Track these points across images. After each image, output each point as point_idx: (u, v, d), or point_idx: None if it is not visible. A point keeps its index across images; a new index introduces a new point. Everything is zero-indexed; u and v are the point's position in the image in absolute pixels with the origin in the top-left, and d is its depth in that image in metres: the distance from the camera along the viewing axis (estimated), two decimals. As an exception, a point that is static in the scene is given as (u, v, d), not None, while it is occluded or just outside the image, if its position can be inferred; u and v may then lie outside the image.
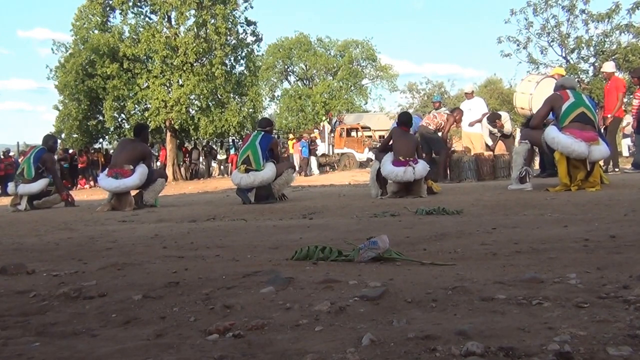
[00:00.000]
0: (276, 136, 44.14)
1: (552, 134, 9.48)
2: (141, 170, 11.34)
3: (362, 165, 40.71)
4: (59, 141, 34.44)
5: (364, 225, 6.42)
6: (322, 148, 44.06)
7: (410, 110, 34.97)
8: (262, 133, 11.34)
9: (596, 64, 29.79)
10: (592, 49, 35.13)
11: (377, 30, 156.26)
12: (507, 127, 17.76)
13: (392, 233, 4.79)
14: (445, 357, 1.87)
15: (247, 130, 35.84)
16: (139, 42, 37.85)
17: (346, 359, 1.89)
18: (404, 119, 11.72)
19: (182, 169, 41.54)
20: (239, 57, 41.67)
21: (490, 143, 17.73)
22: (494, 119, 17.39)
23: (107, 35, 38.52)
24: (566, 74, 16.05)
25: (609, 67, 16.24)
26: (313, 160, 39.79)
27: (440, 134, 16.65)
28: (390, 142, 11.23)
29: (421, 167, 10.60)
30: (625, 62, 32.99)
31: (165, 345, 2.18)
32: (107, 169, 11.81)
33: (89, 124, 39.68)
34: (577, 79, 27.74)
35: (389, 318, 2.37)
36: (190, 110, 39.20)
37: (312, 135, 43.94)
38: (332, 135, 47.17)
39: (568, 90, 9.85)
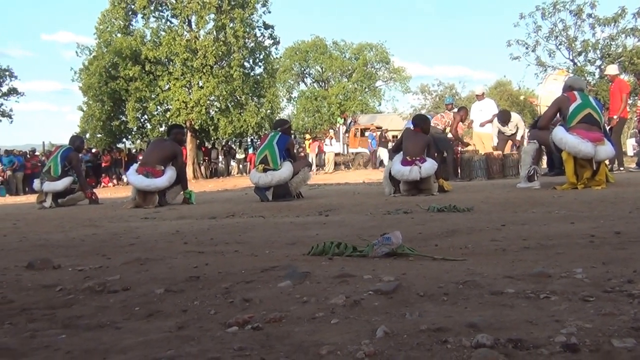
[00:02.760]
0: (293, 136, 44.27)
1: (559, 134, 9.47)
2: (171, 173, 11.42)
3: (374, 164, 40.64)
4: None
5: (377, 222, 6.41)
6: (336, 148, 44.06)
7: (423, 111, 34.85)
8: (280, 133, 11.36)
9: (602, 67, 29.74)
10: (598, 52, 35.02)
11: (390, 34, 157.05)
12: (521, 125, 17.76)
13: (405, 229, 4.80)
14: (457, 349, 1.87)
15: (265, 131, 35.83)
16: (160, 45, 37.98)
17: (361, 350, 1.90)
18: (417, 121, 11.74)
19: (202, 168, 41.58)
20: (257, 60, 41.74)
21: (496, 143, 17.73)
22: (503, 117, 17.37)
23: (130, 38, 38.67)
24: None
25: (612, 69, 16.20)
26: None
27: (449, 134, 16.70)
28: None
29: (428, 166, 10.56)
30: (630, 65, 32.89)
31: (186, 337, 2.20)
32: (138, 165, 11.78)
33: (112, 124, 39.86)
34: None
35: (402, 311, 2.38)
36: (210, 111, 39.32)
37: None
38: (347, 135, 47.20)
39: (575, 92, 9.82)
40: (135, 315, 2.66)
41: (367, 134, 42.64)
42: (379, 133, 40.95)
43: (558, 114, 10.06)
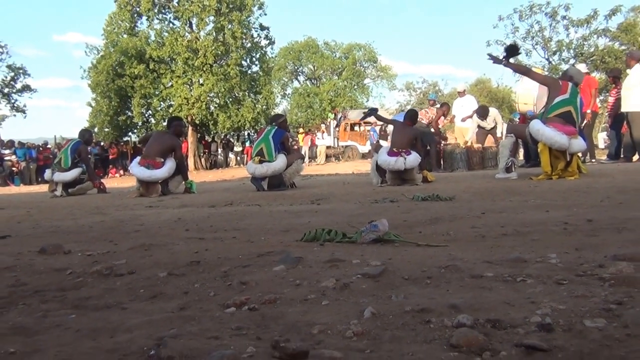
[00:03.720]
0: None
1: (537, 126, 9.49)
2: (170, 165, 11.48)
3: (365, 156, 40.69)
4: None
5: (365, 210, 6.42)
6: (327, 141, 44.15)
7: (408, 107, 34.86)
8: (275, 127, 11.39)
9: (574, 65, 29.91)
10: (572, 51, 35.26)
11: (378, 35, 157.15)
12: (499, 120, 17.91)
13: (391, 217, 4.79)
14: (439, 329, 1.88)
15: (261, 125, 35.90)
16: (163, 45, 38.08)
17: (350, 330, 1.90)
18: (410, 114, 11.83)
19: (203, 160, 41.65)
20: (254, 59, 41.84)
21: (469, 137, 17.81)
22: (482, 112, 17.46)
23: (135, 39, 38.74)
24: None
25: (580, 68, 16.19)
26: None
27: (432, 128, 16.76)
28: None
29: (412, 158, 10.64)
30: (602, 63, 33.08)
31: (187, 317, 2.20)
32: (140, 157, 11.84)
33: (118, 119, 39.97)
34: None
35: (388, 293, 2.38)
36: (210, 106, 39.40)
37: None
38: (337, 129, 47.20)
39: (570, 85, 9.79)
40: (140, 297, 2.67)
41: (369, 128, 42.59)
42: (379, 127, 40.95)
43: (545, 94, 10.17)
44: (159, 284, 2.86)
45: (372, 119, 18.08)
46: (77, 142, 13.58)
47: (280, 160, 10.98)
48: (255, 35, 41.19)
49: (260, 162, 10.95)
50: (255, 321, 2.09)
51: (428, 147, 15.61)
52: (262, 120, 38.36)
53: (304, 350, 1.69)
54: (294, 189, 10.96)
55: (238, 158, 46.17)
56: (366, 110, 14.34)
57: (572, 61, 34.52)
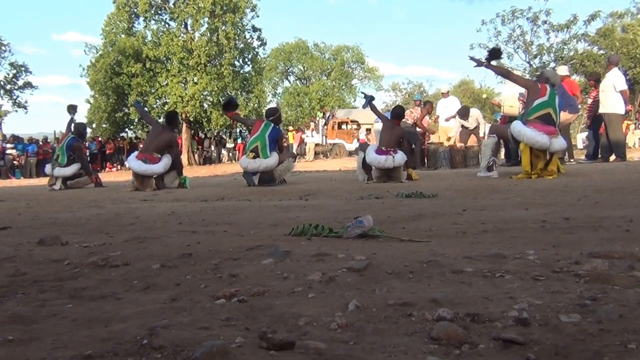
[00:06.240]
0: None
1: (518, 127, 9.50)
2: (166, 161, 11.58)
3: (351, 154, 40.71)
4: (89, 130, 35.02)
5: (351, 206, 6.41)
6: (316, 139, 44.16)
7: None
8: (272, 125, 11.36)
9: (555, 68, 30.01)
10: (552, 55, 35.36)
11: (365, 37, 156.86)
12: (481, 120, 17.96)
13: (375, 213, 4.79)
14: (420, 322, 1.88)
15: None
16: (159, 45, 38.10)
17: (334, 322, 1.91)
18: (396, 112, 11.82)
19: (196, 156, 41.66)
20: (246, 59, 41.84)
21: (453, 134, 17.89)
22: (463, 112, 17.48)
23: (132, 39, 38.77)
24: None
25: (562, 70, 16.12)
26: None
27: (418, 128, 16.77)
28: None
29: (399, 157, 10.64)
30: (581, 67, 33.19)
31: (179, 308, 2.20)
32: (138, 151, 11.97)
33: (116, 115, 40.04)
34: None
35: (372, 287, 2.38)
36: (204, 104, 39.45)
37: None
38: (326, 127, 47.18)
39: (548, 87, 9.80)
40: (134, 288, 2.67)
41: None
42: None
43: (524, 93, 10.25)
44: (152, 276, 2.86)
45: (359, 117, 18.06)
46: (71, 138, 13.61)
47: (273, 158, 10.99)
48: (247, 36, 41.26)
49: (254, 157, 10.96)
50: (244, 312, 2.09)
51: (413, 146, 15.61)
52: (254, 118, 38.38)
53: (291, 341, 1.69)
54: (283, 185, 10.96)
55: (230, 154, 46.20)
56: (355, 108, 14.35)
57: (552, 65, 34.61)
